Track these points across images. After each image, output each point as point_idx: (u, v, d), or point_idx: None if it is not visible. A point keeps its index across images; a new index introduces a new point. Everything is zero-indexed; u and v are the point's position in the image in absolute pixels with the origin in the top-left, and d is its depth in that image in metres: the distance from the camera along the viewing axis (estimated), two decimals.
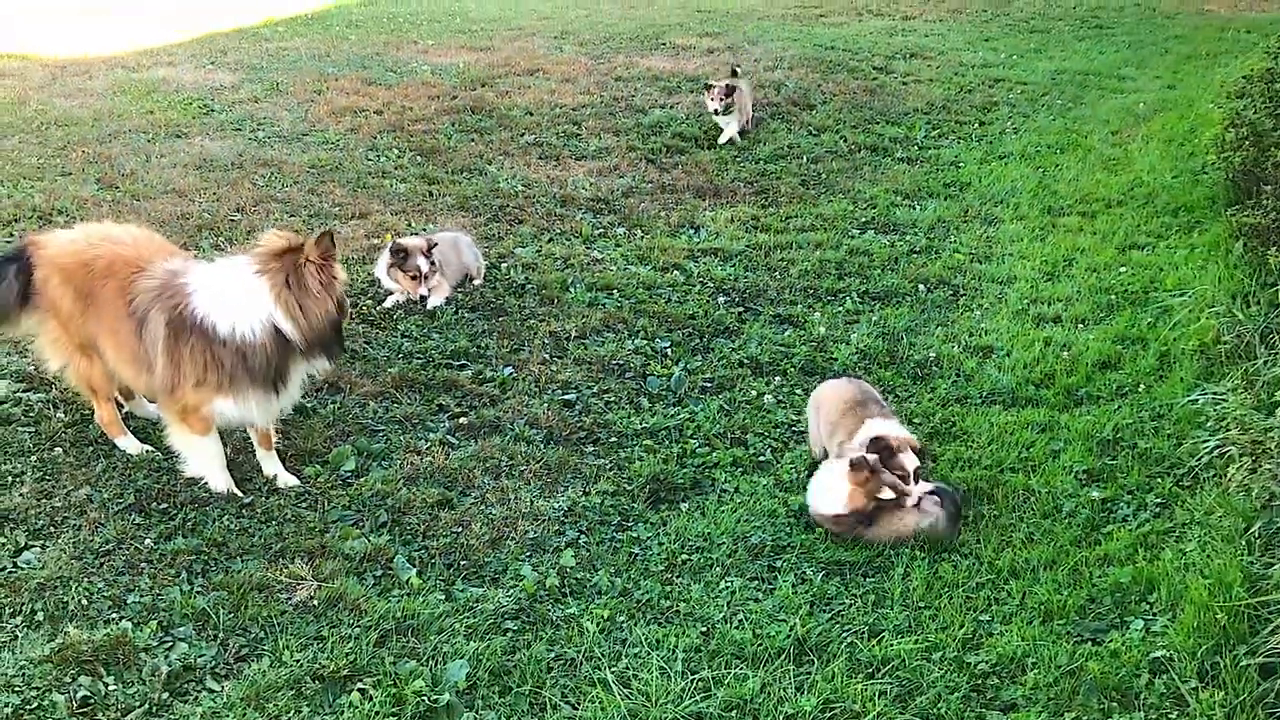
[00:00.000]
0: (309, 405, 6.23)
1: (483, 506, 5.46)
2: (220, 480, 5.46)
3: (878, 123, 12.35)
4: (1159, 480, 5.68)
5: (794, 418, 6.38)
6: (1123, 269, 8.36)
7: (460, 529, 5.28)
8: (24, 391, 6.23)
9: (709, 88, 11.39)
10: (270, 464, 5.64)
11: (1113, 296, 7.91)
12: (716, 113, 11.36)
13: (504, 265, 8.29)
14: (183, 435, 5.37)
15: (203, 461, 5.43)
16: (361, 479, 5.61)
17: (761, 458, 6.01)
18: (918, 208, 9.82)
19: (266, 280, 5.11)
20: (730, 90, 11.22)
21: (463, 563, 5.06)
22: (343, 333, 5.38)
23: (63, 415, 6.01)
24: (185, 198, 9.15)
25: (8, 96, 11.94)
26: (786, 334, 7.40)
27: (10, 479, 5.47)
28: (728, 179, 10.40)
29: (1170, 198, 9.67)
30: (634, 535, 5.33)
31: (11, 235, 8.22)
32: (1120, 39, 17.28)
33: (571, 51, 15.24)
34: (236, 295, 5.11)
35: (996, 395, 6.66)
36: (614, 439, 6.14)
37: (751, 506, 5.53)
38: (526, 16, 18.34)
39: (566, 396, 6.53)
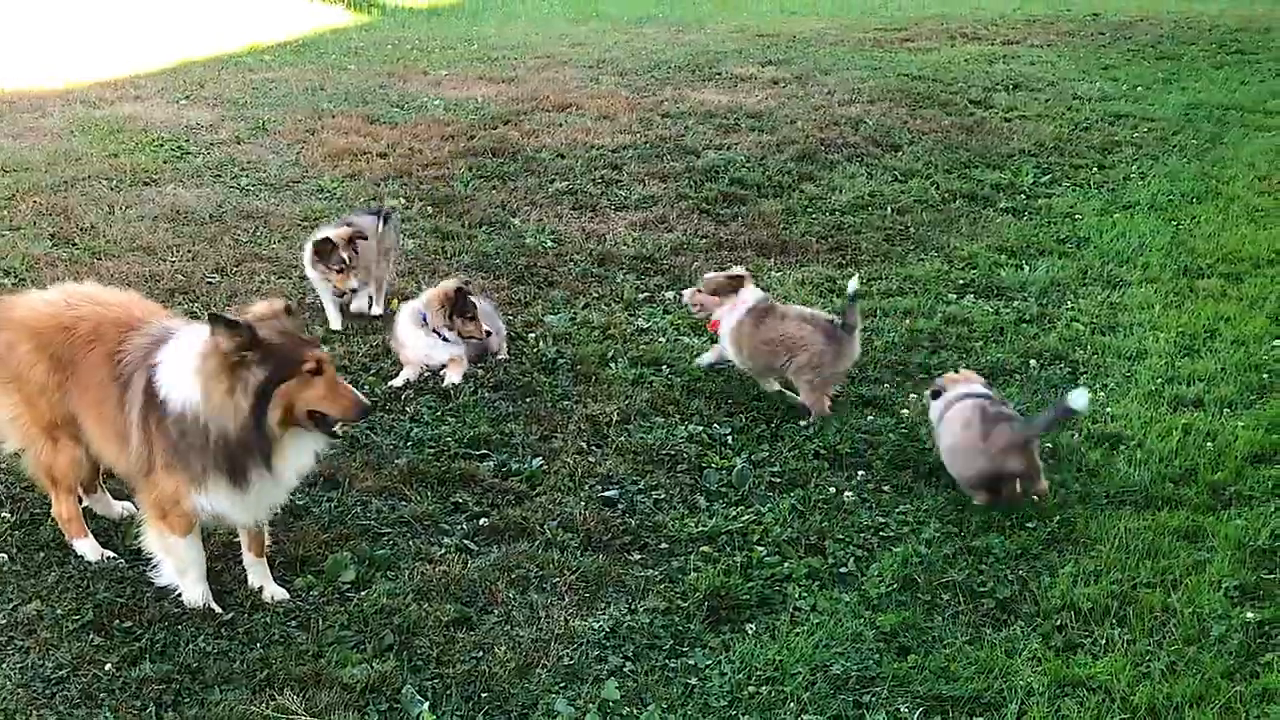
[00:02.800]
0: (300, 504, 6.26)
1: (508, 626, 5.45)
2: (196, 592, 5.48)
3: (976, 166, 12.40)
4: None
5: (881, 520, 6.35)
6: (1277, 342, 8.30)
7: (481, 654, 5.26)
8: None
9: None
10: (258, 574, 5.66)
11: (1265, 375, 7.86)
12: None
13: (531, 336, 8.35)
14: (159, 535, 5.40)
15: (179, 568, 5.46)
16: (363, 592, 5.62)
17: (843, 568, 5.97)
18: (1026, 268, 9.82)
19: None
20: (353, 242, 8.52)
21: (484, 695, 5.04)
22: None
23: (8, 514, 6.07)
24: (155, 256, 9.29)
25: None
26: (871, 419, 7.39)
27: None
28: (797, 233, 10.45)
29: None
30: (690, 663, 5.29)
31: None
32: (1266, 66, 17.32)
33: (610, 84, 15.44)
34: (189, 364, 5.10)
35: (1127, 494, 6.60)
36: (665, 545, 6.12)
37: (832, 628, 5.49)
38: (557, 43, 18.62)
39: (607, 493, 6.53)
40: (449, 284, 7.92)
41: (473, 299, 7.87)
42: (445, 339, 7.78)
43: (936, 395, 6.92)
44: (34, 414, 5.54)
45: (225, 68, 16.17)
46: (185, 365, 5.08)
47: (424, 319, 7.79)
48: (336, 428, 5.25)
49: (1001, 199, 11.51)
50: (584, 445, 7.01)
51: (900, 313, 8.87)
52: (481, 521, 6.22)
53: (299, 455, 5.27)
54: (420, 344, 7.78)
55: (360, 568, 5.78)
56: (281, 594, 5.61)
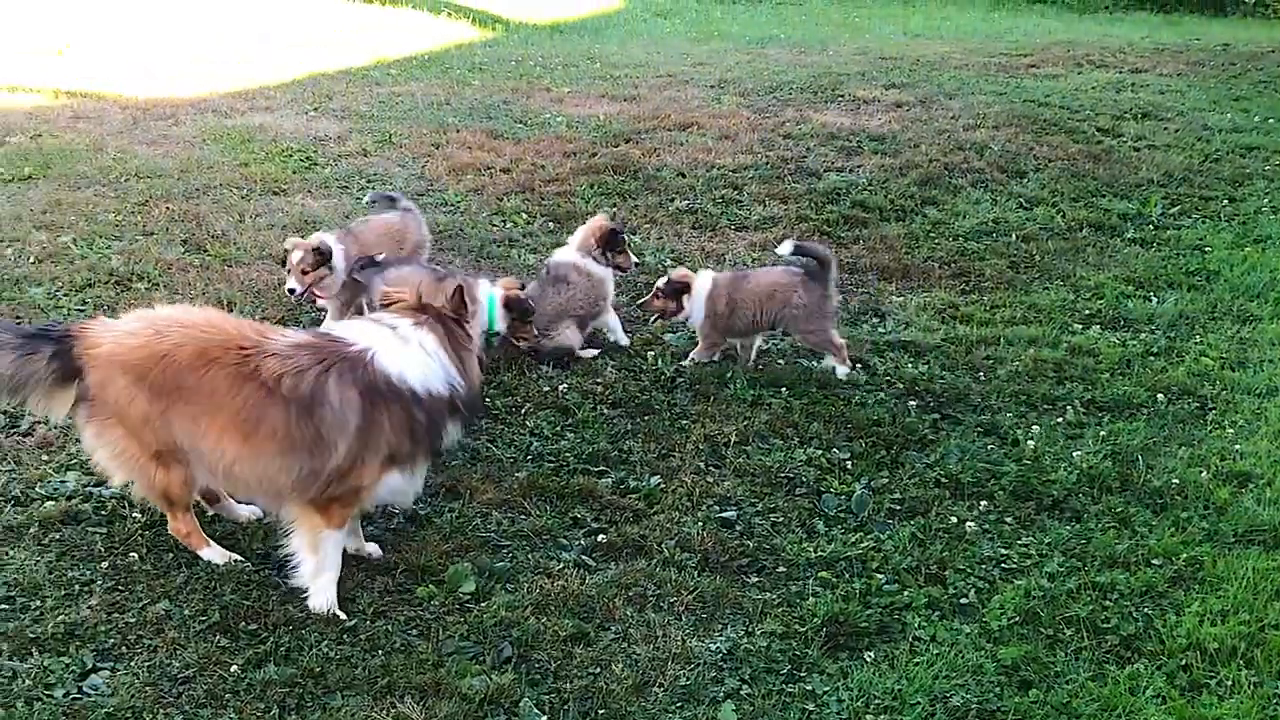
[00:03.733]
0: (422, 514, 6.33)
1: (625, 644, 5.47)
2: (327, 596, 5.56)
3: (1103, 195, 12.23)
4: None
5: (1003, 552, 6.28)
6: None
7: (598, 669, 5.28)
8: (95, 486, 6.45)
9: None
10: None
11: None
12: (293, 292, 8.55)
13: (650, 354, 8.37)
14: (314, 531, 5.54)
15: (320, 567, 5.57)
16: (483, 604, 5.67)
17: (963, 599, 5.91)
18: (1154, 300, 9.67)
19: (431, 333, 5.64)
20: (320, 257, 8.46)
21: (601, 712, 5.06)
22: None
23: (139, 515, 6.20)
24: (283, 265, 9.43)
25: (83, 142, 12.53)
26: (993, 448, 7.31)
27: (78, 588, 5.65)
28: (920, 258, 10.38)
29: None
30: (807, 688, 5.27)
31: (85, 302, 8.58)
32: None
33: (731, 103, 15.46)
34: (416, 352, 5.58)
35: (1255, 534, 6.47)
36: (782, 568, 6.10)
37: (952, 659, 5.43)
38: (678, 62, 18.67)
39: (725, 514, 6.53)
40: (600, 220, 8.49)
41: (622, 235, 8.43)
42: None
43: None
44: (140, 445, 5.58)
45: (353, 81, 16.41)
46: (427, 351, 5.66)
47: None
48: None
49: (1129, 229, 11.34)
50: (702, 465, 7.01)
51: (1024, 341, 8.76)
52: (599, 538, 6.24)
53: None
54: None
55: (480, 579, 5.82)
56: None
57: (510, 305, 7.96)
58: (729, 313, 8.14)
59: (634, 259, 8.88)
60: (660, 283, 8.31)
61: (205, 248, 9.73)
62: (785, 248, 8.24)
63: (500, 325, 7.97)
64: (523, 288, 8.17)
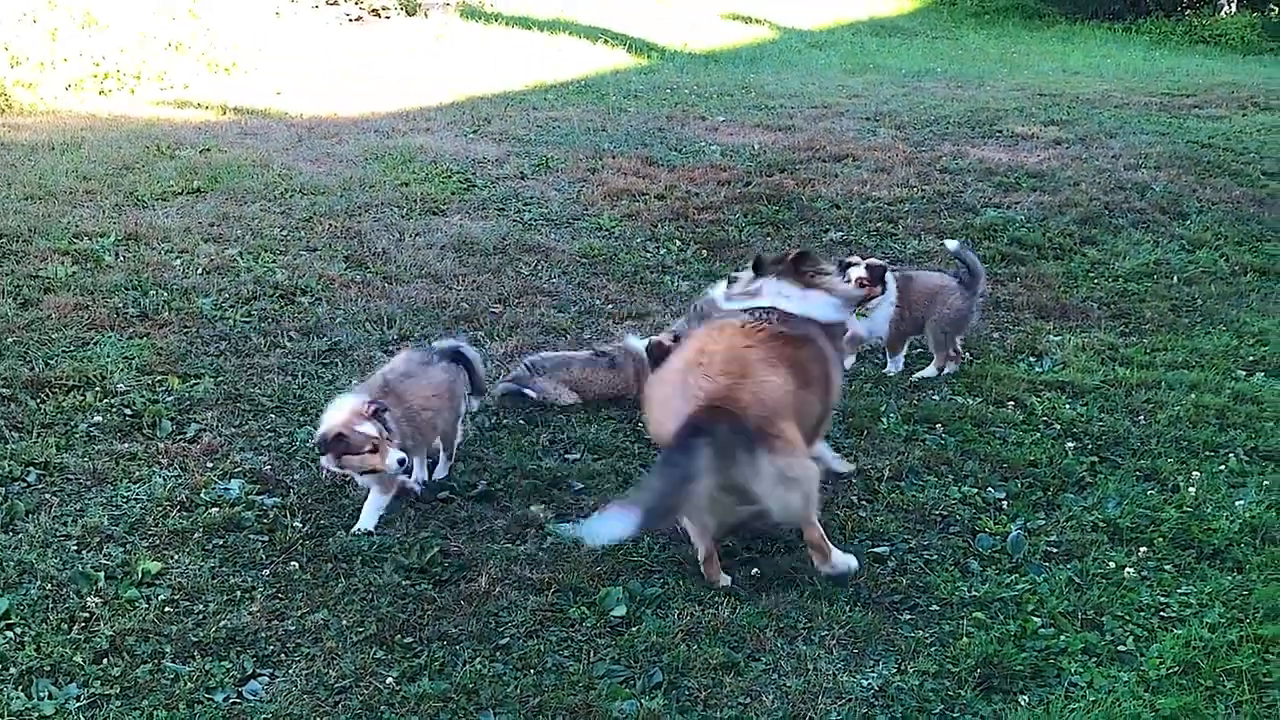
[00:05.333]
0: (574, 535, 6.36)
1: (775, 675, 5.44)
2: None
3: (1268, 240, 11.94)
4: None
5: (1163, 600, 6.13)
6: None
7: (749, 700, 5.26)
8: (258, 494, 6.61)
9: None
10: None
11: None
12: None
13: None
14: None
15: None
16: (634, 628, 5.68)
17: (1121, 646, 5.78)
18: None
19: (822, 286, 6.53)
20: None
21: None
22: None
23: (299, 524, 6.33)
24: (442, 283, 9.61)
25: (250, 158, 12.86)
26: (1152, 494, 7.15)
27: (240, 594, 5.78)
28: (1078, 298, 10.22)
29: None
30: None
31: (250, 314, 8.79)
32: None
33: (887, 136, 15.38)
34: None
35: None
36: (935, 607, 6.03)
37: (1110, 708, 5.31)
38: (834, 93, 18.64)
39: (877, 549, 6.46)
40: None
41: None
42: None
43: None
44: None
45: (511, 105, 16.65)
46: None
47: None
48: None
49: None
50: (854, 499, 6.96)
51: (1185, 386, 8.57)
52: (753, 570, 6.22)
53: None
54: None
55: (631, 603, 5.84)
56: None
57: (651, 352, 7.96)
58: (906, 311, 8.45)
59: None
60: (860, 271, 8.31)
61: (366, 264, 9.92)
62: (952, 244, 8.65)
63: None
64: (676, 340, 8.07)
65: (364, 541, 6.19)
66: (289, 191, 11.75)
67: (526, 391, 7.76)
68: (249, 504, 6.50)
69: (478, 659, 5.40)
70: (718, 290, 8.20)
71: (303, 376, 7.99)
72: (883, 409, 8.00)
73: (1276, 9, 29.34)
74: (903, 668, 5.54)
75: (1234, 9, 30.25)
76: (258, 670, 5.28)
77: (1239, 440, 7.83)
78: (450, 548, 6.21)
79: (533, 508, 6.61)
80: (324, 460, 6.31)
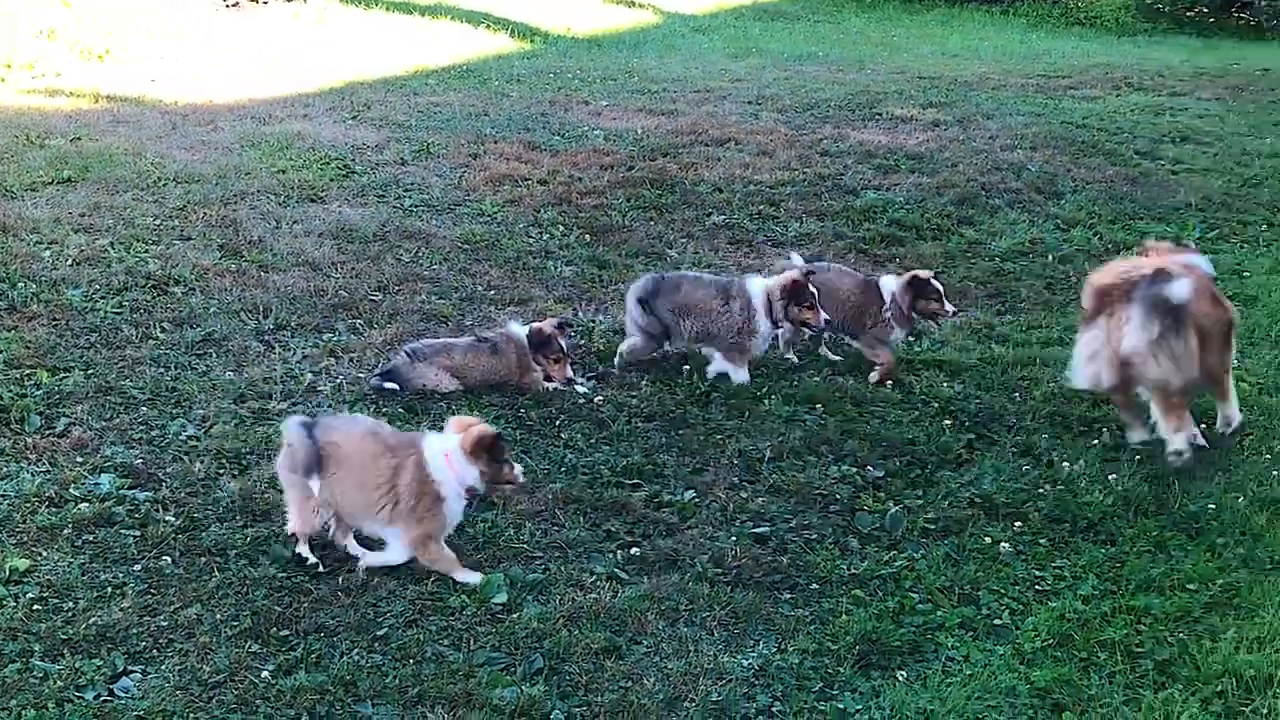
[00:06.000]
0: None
1: (656, 658, 5.44)
2: None
3: (1140, 218, 12.18)
4: None
5: (1037, 573, 6.23)
6: None
7: (630, 683, 5.26)
8: (130, 489, 6.49)
9: None
10: None
11: None
12: None
13: (686, 368, 8.35)
14: None
15: None
16: (514, 614, 5.65)
17: (997, 620, 5.87)
18: None
19: None
20: None
21: None
22: None
23: (172, 518, 6.22)
24: (319, 271, 9.48)
25: (122, 146, 12.61)
26: (1028, 470, 7.26)
27: (111, 590, 5.67)
28: (956, 278, 10.34)
29: None
30: (840, 706, 5.23)
31: (122, 305, 8.63)
32: None
33: (769, 120, 15.46)
34: None
35: None
36: (815, 585, 6.07)
37: (985, 681, 5.39)
38: (716, 77, 18.68)
39: (759, 530, 6.50)
40: (790, 274, 8.16)
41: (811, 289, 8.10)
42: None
43: None
44: None
45: (391, 90, 16.47)
46: None
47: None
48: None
49: None
50: (736, 480, 6.99)
51: (1060, 363, 8.68)
52: (633, 551, 6.22)
53: None
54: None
55: (512, 590, 5.80)
56: None
57: (531, 338, 7.94)
58: None
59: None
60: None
61: (242, 253, 9.77)
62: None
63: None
64: (561, 327, 8.07)
65: (239, 535, 6.09)
66: (162, 180, 11.53)
67: (388, 386, 7.65)
68: (120, 499, 6.37)
69: (355, 650, 5.34)
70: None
71: (175, 368, 7.84)
72: (764, 390, 8.04)
73: None
74: (783, 647, 5.58)
75: None
76: (129, 667, 5.19)
77: (1112, 416, 7.96)
78: (327, 538, 6.13)
79: None
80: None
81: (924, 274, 8.50)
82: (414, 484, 5.78)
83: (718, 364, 8.22)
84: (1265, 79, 19.97)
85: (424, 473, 5.80)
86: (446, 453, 5.83)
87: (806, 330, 8.30)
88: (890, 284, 8.47)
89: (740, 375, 8.13)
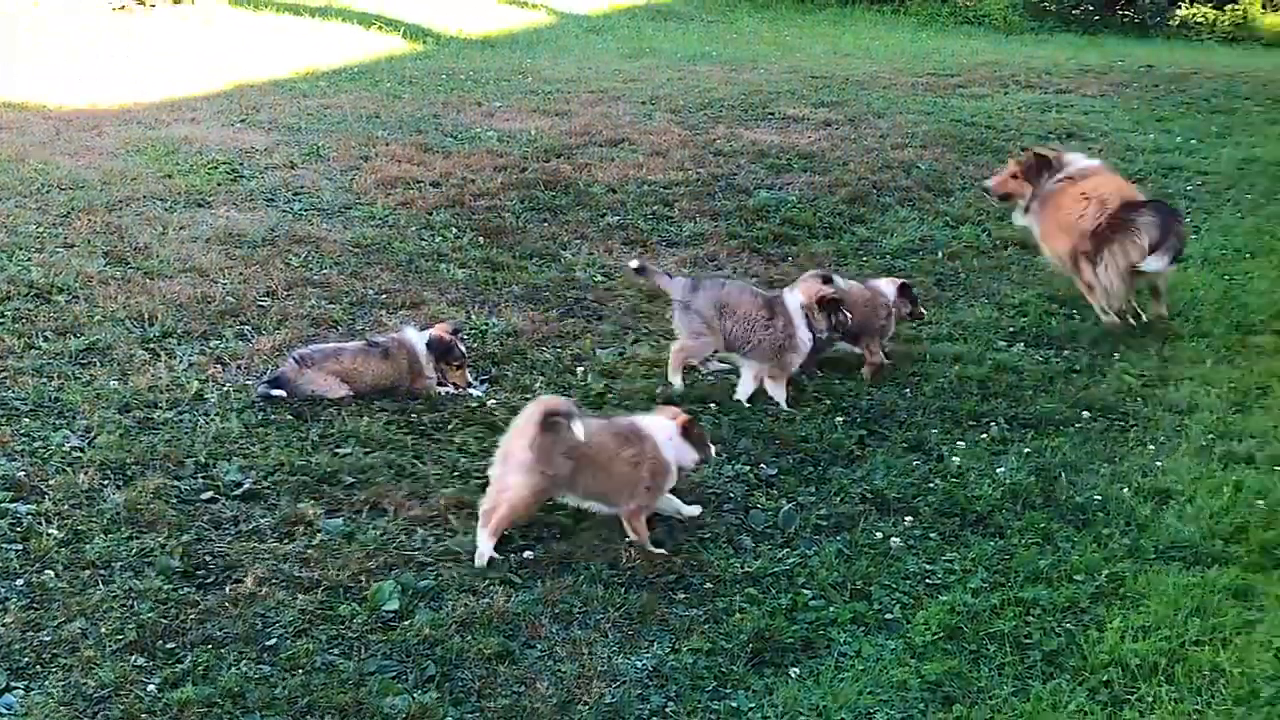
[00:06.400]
0: (346, 530, 6.27)
1: (550, 661, 5.43)
2: None
3: None
4: None
5: (928, 567, 6.30)
6: None
7: (523, 688, 5.24)
8: (12, 502, 6.35)
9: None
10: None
11: None
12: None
13: (579, 370, 8.34)
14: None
15: None
16: (406, 621, 5.61)
17: (888, 615, 5.92)
18: (1077, 318, 9.75)
19: None
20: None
21: None
22: None
23: (55, 531, 6.10)
24: (207, 277, 9.35)
25: (4, 153, 12.39)
26: (918, 465, 7.34)
27: None
28: (849, 276, 10.38)
29: None
30: (733, 705, 5.25)
31: (4, 315, 8.45)
32: None
33: (662, 120, 15.48)
34: None
35: (1176, 550, 6.52)
36: (709, 585, 6.09)
37: (876, 675, 5.44)
38: (610, 78, 18.68)
39: (653, 530, 6.49)
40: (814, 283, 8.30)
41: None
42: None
43: None
44: None
45: (280, 92, 16.29)
46: None
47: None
48: None
49: None
50: None
51: (949, 358, 8.82)
52: (526, 554, 6.20)
53: None
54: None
55: (404, 597, 5.76)
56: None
57: (432, 347, 7.90)
58: None
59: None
60: None
61: (127, 260, 9.61)
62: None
63: (430, 371, 7.90)
64: (455, 332, 8.06)
65: (124, 547, 5.99)
66: (46, 187, 11.31)
67: (275, 393, 7.56)
68: (1, 512, 6.23)
69: (244, 661, 5.27)
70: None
71: (59, 378, 7.69)
72: (658, 391, 8.04)
73: None
74: (677, 647, 5.59)
75: None
76: (11, 683, 5.08)
77: (1000, 409, 8.09)
78: (215, 549, 6.07)
79: (301, 505, 6.48)
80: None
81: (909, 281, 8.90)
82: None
83: (747, 384, 8.18)
84: (1148, 75, 20.35)
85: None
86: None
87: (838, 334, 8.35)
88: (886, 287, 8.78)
89: (780, 394, 8.10)
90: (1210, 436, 7.79)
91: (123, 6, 21.54)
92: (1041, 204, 9.83)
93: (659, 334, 8.96)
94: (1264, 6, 28.04)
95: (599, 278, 10.00)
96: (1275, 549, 6.51)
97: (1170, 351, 9.16)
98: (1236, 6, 27.89)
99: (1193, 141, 15.67)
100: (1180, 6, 28.13)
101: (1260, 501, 6.95)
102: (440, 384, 7.87)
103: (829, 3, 31.08)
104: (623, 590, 5.96)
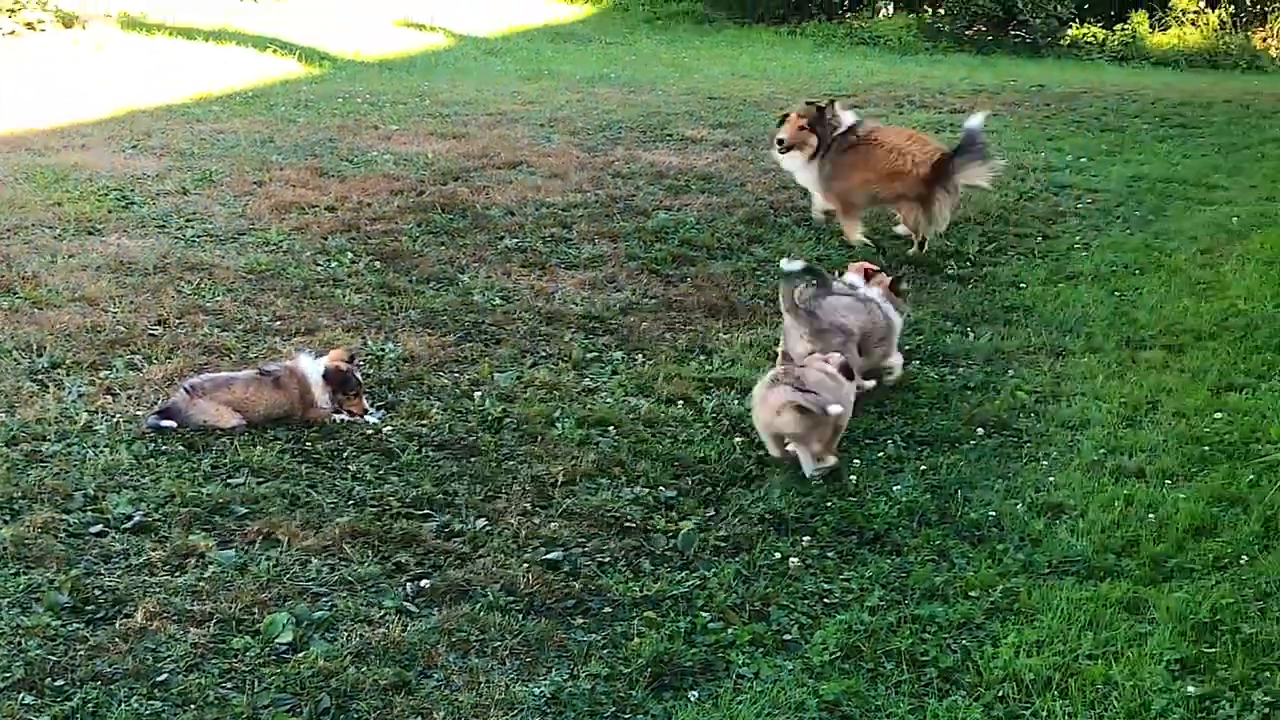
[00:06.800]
0: (238, 562, 6.18)
1: (447, 691, 5.38)
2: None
3: None
4: (1268, 673, 5.61)
5: (826, 586, 6.33)
6: (1217, 415, 8.36)
7: (419, 719, 5.19)
8: None
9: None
10: None
11: (1206, 448, 7.91)
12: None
13: (477, 394, 8.30)
14: None
15: None
16: (300, 654, 5.53)
17: (787, 635, 5.93)
18: (971, 335, 9.88)
19: None
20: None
21: None
22: None
23: None
24: (97, 306, 9.20)
25: None
26: (816, 484, 7.38)
27: None
28: (746, 295, 10.48)
29: (1273, 330, 9.73)
30: None
31: None
32: (1208, 141, 17.59)
33: (561, 142, 15.49)
34: None
35: (1069, 565, 6.60)
36: (608, 609, 6.08)
37: (775, 696, 5.45)
38: (508, 100, 18.67)
39: (551, 555, 6.47)
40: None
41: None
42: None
43: None
44: None
45: (173, 117, 16.10)
46: None
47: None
48: None
49: (947, 266, 11.59)
50: (528, 506, 6.96)
51: None
52: (423, 583, 6.15)
53: None
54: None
55: (298, 629, 5.69)
56: None
57: (330, 378, 7.83)
58: None
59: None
60: None
61: (15, 290, 9.42)
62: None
63: (323, 400, 7.81)
64: (351, 359, 8.00)
65: (11, 583, 5.87)
66: None
67: (165, 425, 7.45)
68: None
69: (134, 698, 5.17)
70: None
71: None
72: (557, 415, 8.03)
73: (930, 11, 30.71)
74: (575, 673, 5.56)
75: (891, 11, 31.60)
76: None
77: (896, 426, 8.16)
78: (105, 583, 5.96)
79: (193, 537, 6.38)
80: None
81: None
82: None
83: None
84: (1039, 95, 20.70)
85: None
86: None
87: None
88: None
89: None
90: (1101, 451, 7.91)
91: (12, 32, 21.20)
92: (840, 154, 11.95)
93: (557, 358, 8.95)
94: (1152, 26, 28.60)
95: (497, 301, 9.96)
96: (1166, 562, 6.61)
97: (1062, 368, 9.30)
98: (1125, 27, 28.44)
99: (1083, 160, 15.95)
100: (1071, 27, 28.62)
101: (1151, 515, 7.06)
102: (336, 411, 7.80)
103: (727, 25, 31.30)
104: (520, 617, 5.93)
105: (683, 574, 6.40)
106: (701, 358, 9.16)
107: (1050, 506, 7.20)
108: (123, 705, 5.12)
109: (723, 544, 6.69)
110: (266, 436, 7.51)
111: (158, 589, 5.90)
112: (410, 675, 5.45)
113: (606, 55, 25.89)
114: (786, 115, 12.35)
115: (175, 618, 5.72)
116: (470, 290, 10.15)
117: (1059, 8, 27.98)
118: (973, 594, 6.29)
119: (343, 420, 7.78)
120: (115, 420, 7.57)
